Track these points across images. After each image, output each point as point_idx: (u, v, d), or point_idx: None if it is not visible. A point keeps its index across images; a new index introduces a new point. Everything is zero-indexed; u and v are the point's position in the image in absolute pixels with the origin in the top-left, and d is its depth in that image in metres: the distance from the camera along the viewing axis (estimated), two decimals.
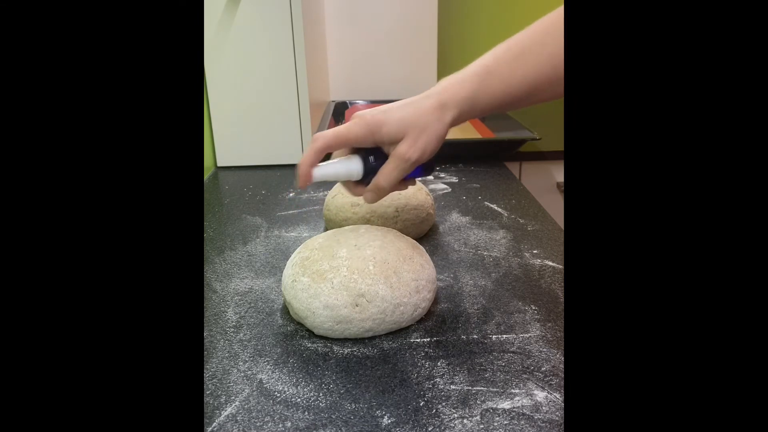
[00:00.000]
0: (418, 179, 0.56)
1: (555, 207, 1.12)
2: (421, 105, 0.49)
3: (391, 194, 0.67)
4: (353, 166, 0.52)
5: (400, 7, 1.36)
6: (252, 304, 0.56)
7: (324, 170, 0.51)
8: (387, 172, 0.50)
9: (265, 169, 1.03)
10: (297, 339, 0.50)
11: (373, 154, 0.52)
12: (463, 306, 0.55)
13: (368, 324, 0.48)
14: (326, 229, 0.74)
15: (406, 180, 0.54)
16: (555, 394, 0.42)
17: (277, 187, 0.93)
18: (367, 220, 0.67)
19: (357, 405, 0.42)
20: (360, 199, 0.64)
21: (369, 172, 0.52)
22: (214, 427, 0.40)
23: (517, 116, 1.17)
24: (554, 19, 0.50)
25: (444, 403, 0.41)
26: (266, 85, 0.99)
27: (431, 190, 0.88)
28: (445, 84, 0.51)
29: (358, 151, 0.53)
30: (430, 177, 0.94)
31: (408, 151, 0.49)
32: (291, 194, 0.89)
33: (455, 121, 0.51)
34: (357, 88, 1.42)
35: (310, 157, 0.50)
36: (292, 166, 1.04)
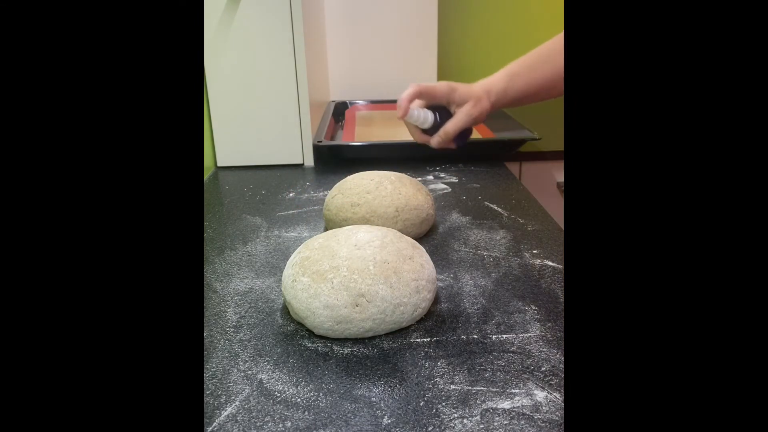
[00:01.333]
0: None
1: (555, 207, 1.11)
2: (476, 87, 0.71)
3: (391, 194, 0.67)
4: (429, 117, 0.70)
5: (400, 7, 1.36)
6: (252, 304, 0.56)
7: (412, 111, 0.68)
8: (455, 122, 0.69)
9: (265, 169, 1.03)
10: (297, 339, 0.50)
11: (439, 112, 0.70)
12: (463, 306, 0.55)
13: (368, 324, 0.48)
14: (326, 229, 0.74)
15: (456, 140, 0.72)
16: (555, 394, 0.42)
17: (277, 187, 0.93)
18: (367, 220, 0.67)
19: (357, 405, 0.42)
20: (360, 199, 0.68)
21: (435, 125, 0.70)
22: (214, 427, 0.40)
23: (517, 116, 1.17)
24: (558, 40, 0.73)
25: (444, 403, 0.41)
26: (266, 85, 0.99)
27: (431, 190, 0.88)
28: (484, 81, 0.72)
29: (429, 109, 0.71)
30: (430, 177, 0.95)
31: (472, 109, 0.69)
32: (291, 194, 0.90)
33: (495, 105, 0.71)
34: (357, 88, 1.42)
35: (409, 94, 0.67)
36: (292, 166, 1.04)
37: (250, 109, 1.00)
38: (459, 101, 0.69)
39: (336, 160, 1.05)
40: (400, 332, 0.50)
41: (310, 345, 0.49)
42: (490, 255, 0.65)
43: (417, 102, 0.70)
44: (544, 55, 0.73)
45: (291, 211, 0.82)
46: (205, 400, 0.43)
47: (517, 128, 1.11)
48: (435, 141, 0.71)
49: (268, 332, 0.51)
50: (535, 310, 0.54)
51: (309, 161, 1.05)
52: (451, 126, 0.69)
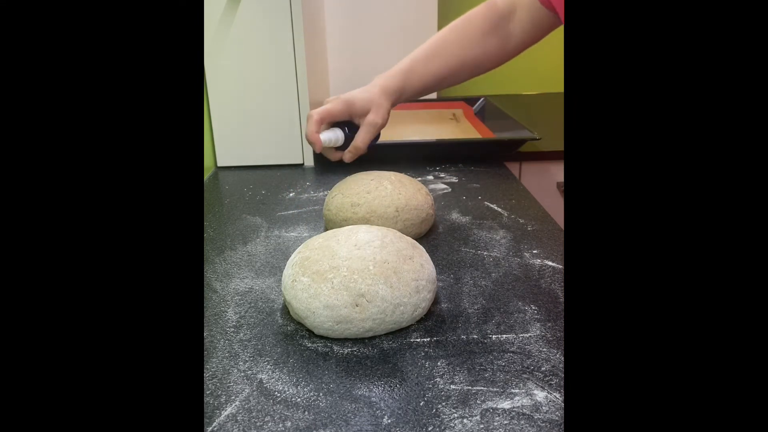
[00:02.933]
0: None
1: (555, 207, 1.11)
2: (373, 91, 0.72)
3: (391, 194, 0.67)
4: (339, 135, 0.72)
5: (400, 7, 1.36)
6: (252, 304, 0.56)
7: (323, 137, 0.69)
8: (362, 136, 0.71)
9: (265, 169, 1.03)
10: (297, 339, 0.50)
11: (347, 126, 0.72)
12: (463, 306, 0.55)
13: (368, 324, 0.48)
14: (326, 229, 0.74)
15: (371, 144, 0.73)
16: (555, 394, 0.42)
17: (277, 187, 0.93)
18: (367, 220, 0.67)
19: (357, 405, 0.42)
20: (360, 199, 0.68)
21: (347, 140, 0.72)
22: (214, 427, 0.40)
23: (517, 116, 1.17)
24: (447, 33, 0.76)
25: (444, 403, 0.41)
26: (266, 85, 0.99)
27: (431, 190, 0.88)
28: (380, 79, 0.74)
29: (334, 125, 0.72)
30: (430, 177, 0.95)
31: (376, 118, 0.70)
32: (291, 194, 0.90)
33: (394, 103, 0.73)
34: (357, 88, 1.42)
35: (313, 127, 0.69)
36: (292, 166, 1.04)
37: (250, 109, 1.00)
38: (360, 113, 0.70)
39: None
40: (400, 332, 0.50)
41: (310, 345, 0.49)
42: (490, 255, 0.66)
43: (323, 126, 0.71)
44: (438, 46, 0.75)
45: (291, 211, 0.82)
46: (205, 400, 0.43)
47: (517, 128, 1.11)
48: (347, 157, 0.72)
49: (268, 332, 0.51)
50: (535, 310, 0.54)
51: (309, 161, 1.05)
52: (360, 140, 0.70)
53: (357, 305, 0.48)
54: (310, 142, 0.69)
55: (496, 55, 0.76)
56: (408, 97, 0.75)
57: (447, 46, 0.75)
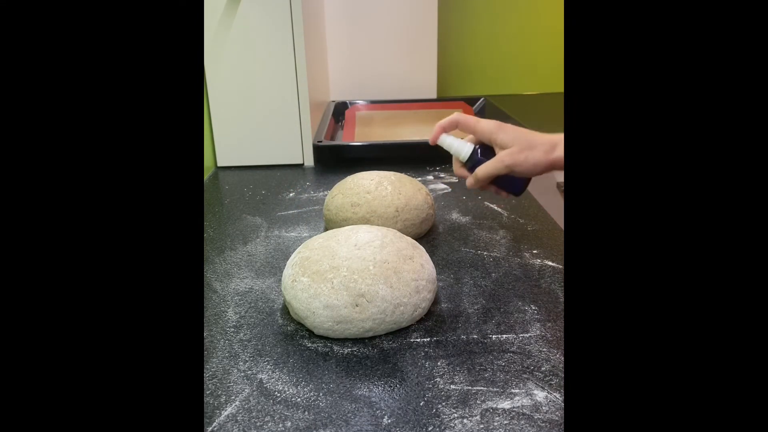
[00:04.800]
0: (510, 196, 0.67)
1: (555, 207, 1.11)
2: (541, 136, 0.61)
3: (391, 194, 0.67)
4: (465, 149, 0.64)
5: (400, 7, 1.36)
6: (252, 304, 0.56)
7: (446, 138, 0.65)
8: (486, 167, 0.62)
9: (265, 169, 1.03)
10: (297, 339, 0.50)
11: (481, 150, 0.63)
12: (463, 306, 0.55)
13: (368, 324, 0.48)
14: (326, 229, 0.74)
15: (499, 186, 0.65)
16: (555, 394, 0.42)
17: (277, 187, 0.93)
18: (367, 220, 0.67)
19: (357, 405, 0.42)
20: (360, 199, 0.68)
21: (473, 161, 0.63)
22: (214, 427, 0.40)
23: (517, 116, 1.17)
24: None
25: (444, 403, 0.41)
26: (266, 85, 0.99)
27: (431, 190, 0.88)
28: (559, 135, 0.62)
29: (479, 143, 0.65)
30: (430, 177, 0.95)
31: (507, 157, 0.60)
32: (291, 194, 0.90)
33: (554, 161, 0.60)
34: (357, 88, 1.42)
35: (445, 121, 0.63)
36: (292, 166, 1.04)
37: (250, 109, 1.00)
38: (502, 143, 0.60)
39: (336, 160, 1.05)
40: (400, 332, 0.50)
41: (310, 345, 0.49)
42: (490, 255, 0.65)
43: (462, 134, 0.64)
44: None
45: (291, 211, 0.82)
46: (205, 400, 0.43)
47: None
48: (469, 182, 0.64)
49: (268, 332, 0.51)
50: (535, 310, 0.54)
51: (309, 161, 1.05)
52: (481, 170, 0.61)
53: (357, 305, 0.48)
54: (434, 131, 0.64)
55: None
56: None
57: None
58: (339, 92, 1.42)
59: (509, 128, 0.61)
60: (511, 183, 0.63)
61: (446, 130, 0.64)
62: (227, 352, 0.48)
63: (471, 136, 0.64)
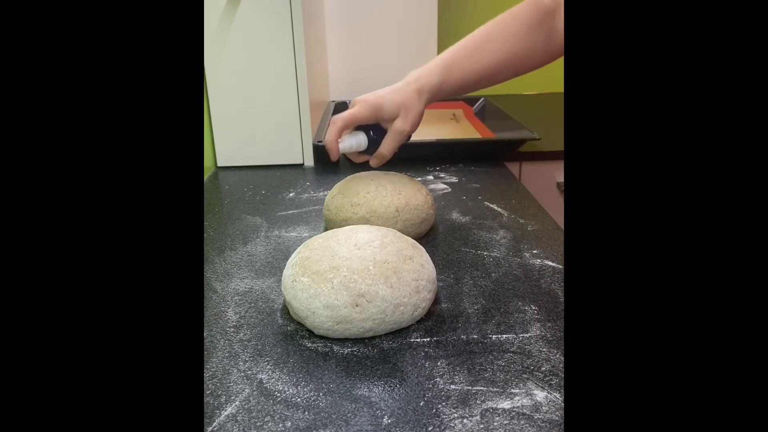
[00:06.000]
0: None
1: (555, 207, 1.11)
2: (406, 91, 0.66)
3: (391, 194, 0.67)
4: (362, 140, 0.68)
5: (400, 7, 1.36)
6: (252, 304, 0.56)
7: (343, 143, 0.67)
8: (388, 143, 0.67)
9: (265, 169, 1.03)
10: (297, 339, 0.50)
11: (372, 130, 0.68)
12: (463, 306, 0.55)
13: (368, 324, 0.48)
14: (326, 229, 0.74)
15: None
16: (555, 394, 0.42)
17: (277, 187, 0.93)
18: (367, 220, 0.67)
19: (357, 405, 0.42)
20: (360, 199, 0.68)
21: (371, 144, 0.68)
22: (214, 427, 0.40)
23: (517, 116, 1.17)
24: (491, 27, 0.70)
25: (444, 403, 0.41)
26: (266, 85, 0.99)
27: (431, 190, 0.88)
28: (417, 74, 0.67)
29: (359, 128, 0.68)
30: (430, 177, 0.95)
31: (404, 125, 0.66)
32: (291, 194, 0.90)
33: (430, 101, 0.67)
34: (357, 88, 1.42)
35: (333, 134, 0.65)
36: (292, 166, 1.04)
37: (250, 109, 1.00)
38: (388, 117, 0.66)
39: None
40: (400, 332, 0.50)
41: (310, 345, 0.49)
42: (490, 255, 0.65)
43: (347, 131, 0.68)
44: (480, 41, 0.69)
45: (291, 211, 0.82)
46: (205, 400, 0.43)
47: (517, 128, 1.11)
48: (373, 162, 0.69)
49: (268, 332, 0.51)
50: (535, 310, 0.54)
51: (309, 161, 1.05)
52: (386, 148, 0.67)
53: (357, 305, 0.48)
54: (328, 149, 0.66)
55: (541, 53, 0.70)
56: (444, 95, 0.69)
57: (490, 41, 0.69)
58: (339, 92, 1.42)
59: (380, 100, 0.65)
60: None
61: (338, 138, 0.66)
62: (227, 352, 0.48)
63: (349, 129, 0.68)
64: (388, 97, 0.65)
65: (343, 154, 0.69)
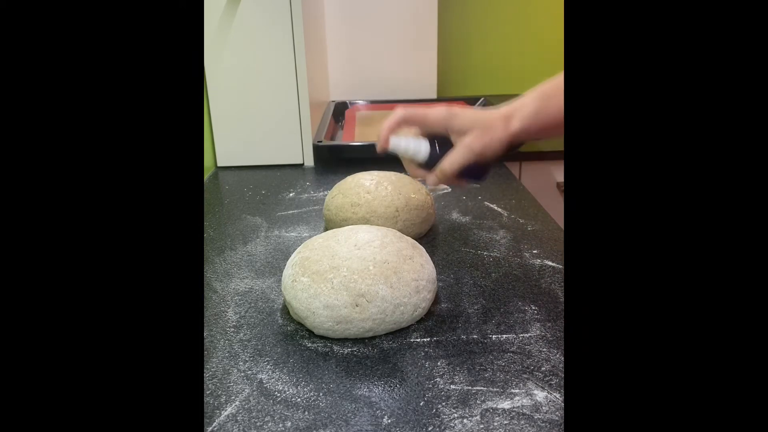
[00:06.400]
0: (473, 184, 0.62)
1: (555, 207, 1.11)
2: (490, 112, 0.56)
3: (391, 194, 0.67)
4: (422, 147, 0.57)
5: (400, 7, 1.36)
6: (252, 304, 0.56)
7: (398, 141, 0.57)
8: (452, 158, 0.55)
9: (265, 169, 1.03)
10: (297, 339, 0.50)
11: (439, 143, 0.57)
12: (463, 306, 0.55)
13: (368, 324, 0.48)
14: (326, 229, 0.74)
15: (463, 178, 0.59)
16: (555, 394, 0.42)
17: (277, 187, 0.93)
18: (367, 220, 0.67)
19: (357, 405, 0.42)
20: (360, 199, 0.68)
21: (432, 158, 0.57)
22: (214, 427, 0.40)
23: None
24: None
25: (444, 403, 0.41)
26: (266, 85, 0.99)
27: (431, 190, 0.88)
28: (511, 104, 0.57)
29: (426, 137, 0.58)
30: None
31: (474, 142, 0.54)
32: (291, 194, 0.90)
33: (520, 133, 0.55)
34: (357, 88, 1.42)
35: (390, 123, 0.56)
36: (293, 166, 1.04)
37: (250, 109, 1.00)
38: (459, 129, 0.55)
39: (336, 160, 1.05)
40: (400, 332, 0.50)
41: (310, 345, 0.49)
42: (490, 255, 0.65)
43: (408, 130, 0.58)
44: None
45: (291, 211, 0.82)
46: (205, 400, 0.43)
47: None
48: (431, 180, 0.58)
49: (268, 332, 0.51)
50: (535, 310, 0.54)
51: (309, 161, 1.05)
52: (447, 163, 0.55)
53: (357, 305, 0.48)
54: (379, 138, 0.57)
55: None
56: (541, 127, 0.55)
57: None
58: (339, 92, 1.42)
59: (460, 111, 0.56)
60: (476, 170, 0.57)
61: (394, 131, 0.57)
62: (227, 352, 0.48)
63: (416, 130, 0.58)
64: (469, 112, 0.56)
65: (399, 158, 0.59)
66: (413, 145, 0.57)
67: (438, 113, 0.56)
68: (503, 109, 0.56)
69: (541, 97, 0.55)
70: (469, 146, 0.54)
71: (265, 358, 0.47)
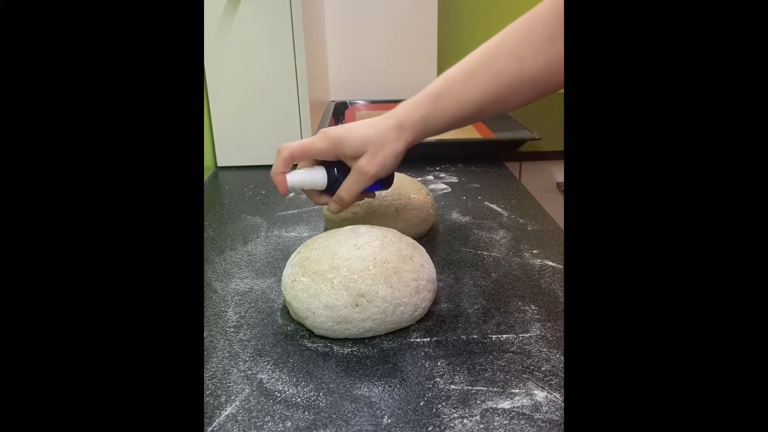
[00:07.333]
0: (378, 192, 0.61)
1: (555, 207, 1.11)
2: (380, 125, 0.54)
3: (391, 194, 0.67)
4: (318, 176, 0.57)
5: (400, 7, 1.36)
6: (252, 304, 0.56)
7: (293, 177, 0.56)
8: (348, 185, 0.55)
9: (265, 169, 1.03)
10: (297, 339, 0.50)
11: (337, 167, 0.56)
12: (463, 306, 0.55)
13: (368, 324, 0.48)
14: (326, 229, 0.74)
15: (365, 193, 0.59)
16: (555, 394, 0.42)
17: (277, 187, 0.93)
18: (367, 220, 0.67)
19: (357, 405, 0.42)
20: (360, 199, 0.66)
21: (333, 182, 0.57)
22: (214, 427, 0.40)
23: (517, 116, 1.17)
24: (500, 40, 0.54)
25: (444, 403, 0.41)
26: (266, 85, 0.99)
27: (431, 190, 0.88)
28: (402, 107, 0.56)
29: (323, 163, 0.57)
30: (430, 177, 0.95)
31: (367, 165, 0.53)
32: (291, 194, 0.90)
33: (413, 141, 0.55)
34: (357, 88, 1.42)
35: (278, 166, 0.54)
36: (293, 166, 1.04)
37: (250, 109, 1.00)
38: (351, 154, 0.53)
39: None
40: (400, 332, 0.50)
41: (310, 345, 0.49)
42: (490, 255, 0.65)
43: (303, 163, 0.57)
44: (484, 59, 0.53)
45: (291, 211, 0.82)
46: (205, 400, 0.43)
47: (517, 128, 1.11)
48: (332, 207, 0.57)
49: (268, 332, 0.51)
50: (535, 310, 0.54)
51: None
52: (344, 191, 0.54)
53: (357, 305, 0.48)
54: (275, 183, 0.55)
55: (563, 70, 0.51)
56: (435, 128, 0.55)
57: (498, 57, 0.53)
58: (339, 92, 1.42)
59: (345, 134, 0.53)
60: (376, 184, 0.57)
61: (286, 170, 0.55)
62: (227, 352, 0.48)
63: (303, 163, 0.57)
64: (357, 130, 0.53)
65: (303, 190, 0.58)
66: (309, 177, 0.56)
67: (321, 145, 0.53)
68: (394, 114, 0.54)
69: (432, 98, 0.54)
70: (363, 170, 0.53)
71: (265, 358, 0.47)
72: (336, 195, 0.56)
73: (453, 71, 0.55)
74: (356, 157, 0.54)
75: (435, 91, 0.55)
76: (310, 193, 0.59)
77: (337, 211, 0.58)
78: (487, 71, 0.53)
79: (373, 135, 0.53)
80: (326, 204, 0.59)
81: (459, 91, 0.54)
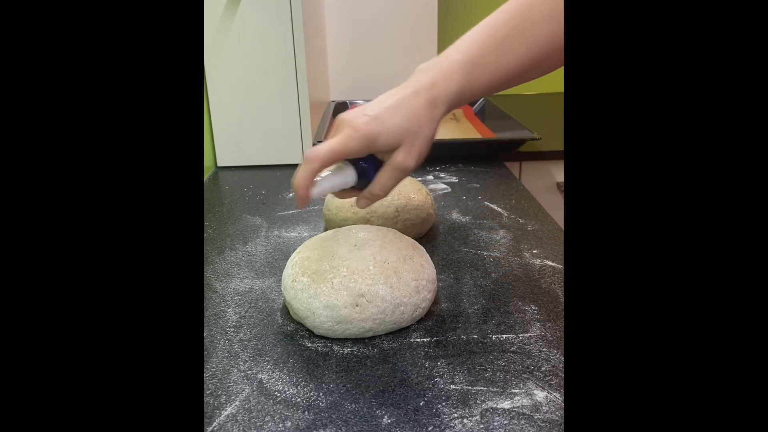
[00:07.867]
0: None
1: (555, 207, 1.11)
2: (410, 105, 0.48)
3: (391, 194, 0.67)
4: (348, 178, 0.51)
5: (400, 7, 1.36)
6: (252, 304, 0.56)
7: (321, 187, 0.50)
8: (383, 182, 0.50)
9: (265, 169, 1.03)
10: (297, 339, 0.50)
11: (370, 162, 0.51)
12: (463, 306, 0.55)
13: (368, 324, 0.48)
14: (326, 229, 0.73)
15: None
16: (555, 394, 0.42)
17: (277, 187, 0.93)
18: (367, 220, 0.67)
19: (357, 405, 0.42)
20: None
21: (361, 177, 0.52)
22: (214, 427, 0.40)
23: (517, 116, 1.17)
24: (530, 1, 0.49)
25: (444, 403, 0.41)
26: (266, 85, 0.99)
27: (431, 190, 0.88)
28: (431, 76, 0.49)
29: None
30: (430, 177, 0.95)
31: (405, 160, 0.49)
32: (291, 194, 0.89)
33: (444, 115, 0.51)
34: (357, 88, 1.42)
35: (306, 178, 0.47)
36: (293, 166, 1.04)
37: (250, 109, 1.00)
38: (387, 146, 0.48)
39: None
40: (400, 332, 0.50)
41: (310, 345, 0.49)
42: (490, 255, 0.65)
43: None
44: (519, 23, 0.49)
45: (291, 211, 0.82)
46: (205, 400, 0.43)
47: (517, 128, 1.11)
48: (361, 203, 0.52)
49: (268, 332, 0.51)
50: (535, 310, 0.54)
51: None
52: (379, 187, 0.50)
53: (357, 305, 0.48)
54: (296, 197, 0.48)
55: None
56: (467, 100, 0.51)
57: (533, 20, 0.48)
58: (339, 92, 1.42)
59: (378, 127, 0.47)
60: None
61: (311, 180, 0.48)
62: (227, 352, 0.48)
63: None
64: (389, 120, 0.48)
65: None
66: (340, 182, 0.51)
67: (354, 146, 0.47)
68: (423, 90, 0.48)
69: (466, 68, 0.49)
70: (401, 166, 0.49)
71: (265, 358, 0.47)
72: (368, 191, 0.51)
73: (482, 37, 0.50)
74: (391, 150, 0.49)
75: (467, 60, 0.49)
76: (333, 194, 0.55)
77: (366, 207, 0.53)
78: (522, 38, 0.49)
79: (406, 122, 0.48)
80: (349, 198, 0.55)
81: (495, 58, 0.49)
